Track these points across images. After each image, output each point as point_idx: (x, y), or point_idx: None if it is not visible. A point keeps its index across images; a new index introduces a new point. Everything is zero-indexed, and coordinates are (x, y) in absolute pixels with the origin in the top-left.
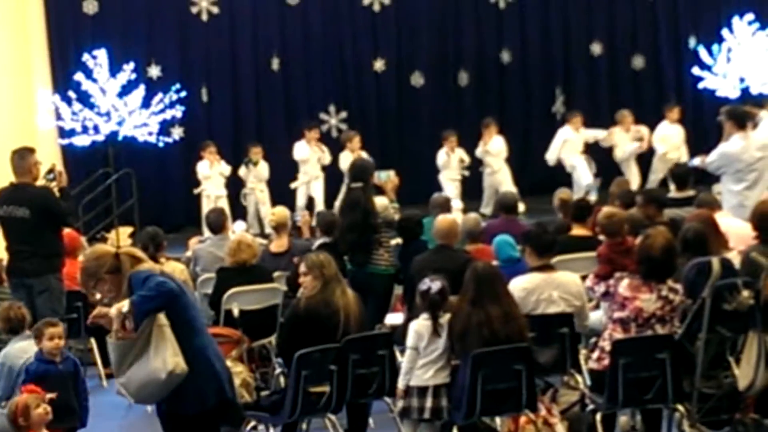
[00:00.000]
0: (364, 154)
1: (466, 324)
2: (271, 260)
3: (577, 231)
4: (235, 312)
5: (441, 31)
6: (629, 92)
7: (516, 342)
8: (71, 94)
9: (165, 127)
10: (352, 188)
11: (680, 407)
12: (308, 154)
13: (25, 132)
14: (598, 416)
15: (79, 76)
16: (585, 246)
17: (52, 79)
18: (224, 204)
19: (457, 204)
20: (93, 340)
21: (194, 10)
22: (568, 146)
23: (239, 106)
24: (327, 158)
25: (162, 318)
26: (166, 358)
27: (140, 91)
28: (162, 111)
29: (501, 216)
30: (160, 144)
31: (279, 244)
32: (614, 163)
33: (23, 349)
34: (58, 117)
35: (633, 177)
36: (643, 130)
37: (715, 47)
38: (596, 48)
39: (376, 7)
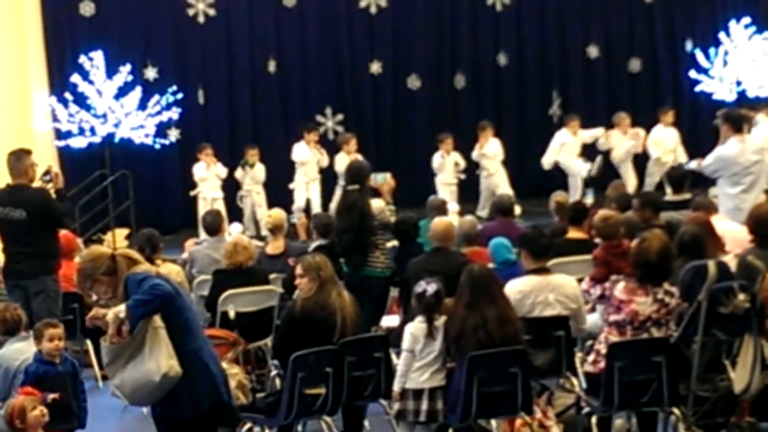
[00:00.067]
0: (360, 157)
1: (462, 327)
2: (267, 262)
3: (573, 234)
4: (231, 314)
5: (437, 34)
6: (626, 95)
7: (512, 345)
8: (68, 95)
9: (161, 129)
10: (349, 190)
11: (676, 410)
12: (309, 155)
13: (21, 134)
14: (594, 419)
15: (75, 78)
16: (581, 249)
17: (48, 81)
18: (221, 206)
19: (453, 207)
20: (89, 342)
21: (191, 12)
22: (565, 150)
23: (236, 109)
24: (325, 161)
25: (157, 320)
26: (161, 360)
27: (137, 93)
28: (158, 113)
29: (497, 218)
30: (157, 146)
31: (275, 246)
32: (611, 166)
33: (19, 351)
34: (55, 119)
35: (630, 180)
36: (641, 133)
37: (711, 50)
38: (593, 51)
39: (373, 10)
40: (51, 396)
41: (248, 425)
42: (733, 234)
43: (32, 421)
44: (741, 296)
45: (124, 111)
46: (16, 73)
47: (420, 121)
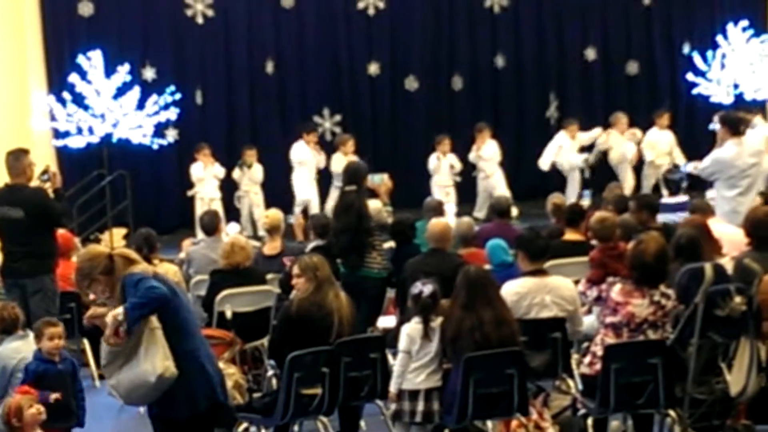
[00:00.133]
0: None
1: (459, 328)
2: (264, 262)
3: (570, 236)
4: (228, 314)
5: (435, 36)
6: (623, 98)
7: (508, 346)
8: (66, 95)
9: (159, 129)
10: (346, 191)
11: (672, 413)
12: (309, 156)
13: (19, 133)
14: (590, 421)
15: (74, 78)
16: (578, 251)
17: (47, 81)
18: (218, 206)
19: (450, 208)
20: (86, 341)
21: (189, 12)
22: (563, 152)
23: (234, 109)
24: (323, 162)
25: (154, 321)
26: (156, 361)
27: (135, 93)
28: (156, 113)
29: (494, 220)
30: (155, 146)
31: (272, 247)
32: (609, 168)
33: (17, 349)
34: (53, 118)
35: (627, 182)
36: (638, 133)
37: (709, 53)
38: (590, 53)
39: (371, 11)
40: (53, 396)
41: (245, 425)
42: (729, 237)
43: (29, 419)
44: (737, 299)
45: (122, 111)
46: (14, 73)
47: (417, 122)
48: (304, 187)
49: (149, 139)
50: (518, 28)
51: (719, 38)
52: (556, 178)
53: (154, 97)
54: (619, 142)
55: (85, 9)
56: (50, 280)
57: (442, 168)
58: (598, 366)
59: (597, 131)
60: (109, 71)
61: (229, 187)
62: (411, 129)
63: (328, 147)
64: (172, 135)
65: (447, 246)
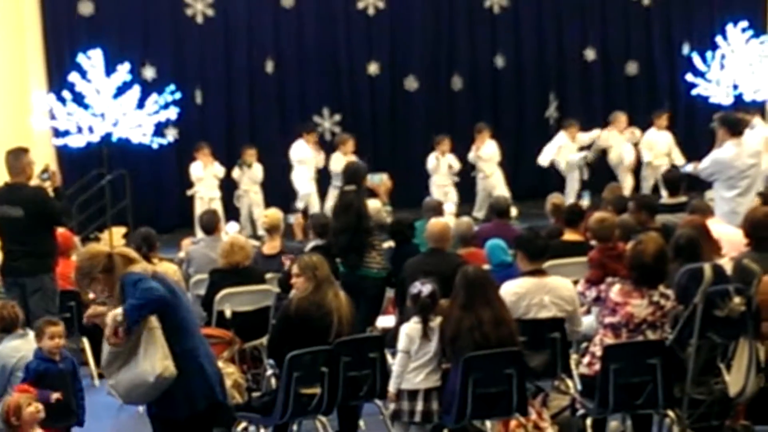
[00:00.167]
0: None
1: (458, 328)
2: (263, 262)
3: (569, 236)
4: (228, 313)
5: (435, 36)
6: (623, 98)
7: (507, 346)
8: (66, 94)
9: (159, 129)
10: (346, 191)
11: (671, 413)
12: (310, 154)
13: (19, 132)
14: (589, 421)
15: (74, 77)
16: (577, 251)
17: (47, 80)
18: (217, 205)
19: (449, 208)
20: (85, 340)
21: (189, 12)
22: (562, 152)
23: (233, 108)
24: (322, 162)
25: (153, 320)
26: (155, 361)
27: (135, 92)
28: (156, 112)
29: (493, 220)
30: (154, 145)
31: (271, 246)
32: (608, 169)
33: (16, 348)
34: (53, 117)
35: (627, 182)
36: (636, 132)
37: (708, 54)
38: (590, 53)
39: (371, 11)
40: (54, 396)
41: (243, 424)
42: (729, 237)
43: (27, 418)
44: (736, 299)
45: (122, 110)
46: (14, 72)
47: (417, 122)
48: (305, 183)
49: (149, 138)
50: (518, 29)
51: (719, 39)
52: (556, 178)
53: (154, 96)
54: (618, 141)
55: (86, 8)
56: (50, 279)
57: (441, 168)
58: (597, 366)
59: (597, 132)
60: (109, 70)
61: (228, 187)
62: (410, 129)
63: (328, 147)
64: (171, 134)
65: (446, 246)
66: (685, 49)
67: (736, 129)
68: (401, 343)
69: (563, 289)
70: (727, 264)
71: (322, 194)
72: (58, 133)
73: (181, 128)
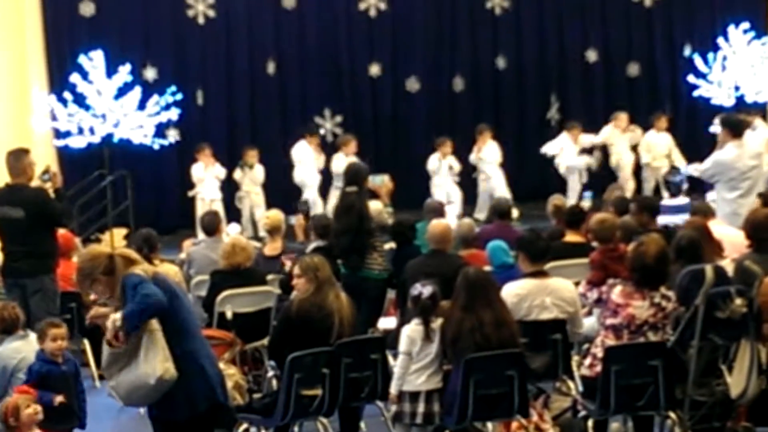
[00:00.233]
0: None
1: (459, 329)
2: (264, 263)
3: (571, 237)
4: (229, 314)
5: (437, 37)
6: (624, 99)
7: (508, 347)
8: (67, 95)
9: (160, 130)
10: (347, 192)
11: (672, 414)
12: (312, 155)
13: (20, 133)
14: (590, 423)
15: (75, 78)
16: (578, 252)
17: (48, 80)
18: (219, 207)
19: (450, 209)
20: (86, 341)
21: (190, 13)
22: (564, 154)
23: (235, 109)
24: (322, 164)
25: (153, 323)
26: (156, 363)
27: (136, 93)
28: (158, 113)
29: (495, 221)
30: (156, 146)
31: (273, 247)
32: (609, 170)
33: (17, 350)
34: (54, 118)
35: (628, 184)
36: (638, 130)
37: (710, 55)
38: (591, 55)
39: (372, 13)
40: (58, 399)
41: (245, 426)
42: (730, 239)
43: (25, 419)
44: (738, 301)
45: (123, 111)
46: (15, 72)
47: (418, 123)
48: (308, 178)
49: (150, 139)
50: (519, 30)
51: (720, 40)
52: (557, 180)
53: (155, 97)
54: (618, 140)
55: (87, 9)
56: (50, 280)
57: (442, 169)
58: (598, 368)
59: (598, 139)
60: (111, 71)
61: (229, 188)
62: (412, 130)
63: (329, 148)
64: (173, 135)
65: (447, 247)
66: (687, 51)
67: (737, 130)
68: (402, 344)
69: (565, 291)
70: (728, 265)
71: (324, 195)
72: (59, 134)
73: (183, 129)
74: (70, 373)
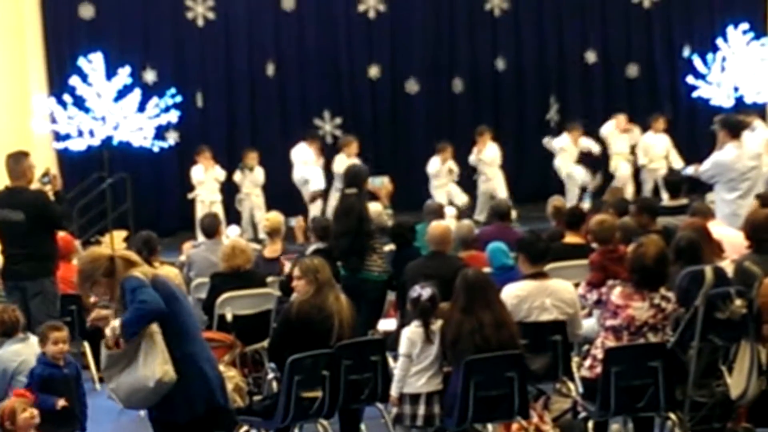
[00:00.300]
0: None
1: (458, 331)
2: (264, 265)
3: (571, 239)
4: (229, 317)
5: (436, 39)
6: (623, 100)
7: (508, 349)
8: (67, 98)
9: (160, 132)
10: (347, 194)
11: (672, 415)
12: (312, 157)
13: (20, 136)
14: (590, 424)
15: (74, 80)
16: (578, 254)
17: (47, 83)
18: (218, 209)
19: (450, 211)
20: (86, 344)
21: (190, 15)
22: (564, 155)
23: (234, 112)
24: (321, 167)
25: (153, 325)
26: (155, 366)
27: (136, 95)
28: (157, 116)
29: (494, 223)
30: (155, 148)
31: (273, 250)
32: (608, 172)
33: (17, 352)
34: (54, 121)
35: (628, 186)
36: (636, 129)
37: (709, 56)
38: (590, 56)
39: (372, 15)
40: (60, 403)
41: (245, 428)
42: (730, 239)
43: (22, 423)
44: (738, 302)
45: (122, 113)
46: (15, 75)
47: (418, 125)
48: (309, 174)
49: (150, 141)
50: (518, 31)
51: (719, 41)
52: (557, 181)
53: (154, 99)
54: (618, 139)
55: (86, 11)
56: (50, 283)
57: (442, 173)
58: (598, 369)
59: (596, 148)
60: (110, 74)
61: (229, 190)
62: (411, 132)
63: (329, 150)
64: (172, 138)
65: (447, 249)
66: (686, 52)
67: (736, 131)
68: (403, 347)
69: (564, 292)
70: (728, 266)
71: (324, 196)
72: (58, 137)
73: (182, 131)
74: (72, 376)
